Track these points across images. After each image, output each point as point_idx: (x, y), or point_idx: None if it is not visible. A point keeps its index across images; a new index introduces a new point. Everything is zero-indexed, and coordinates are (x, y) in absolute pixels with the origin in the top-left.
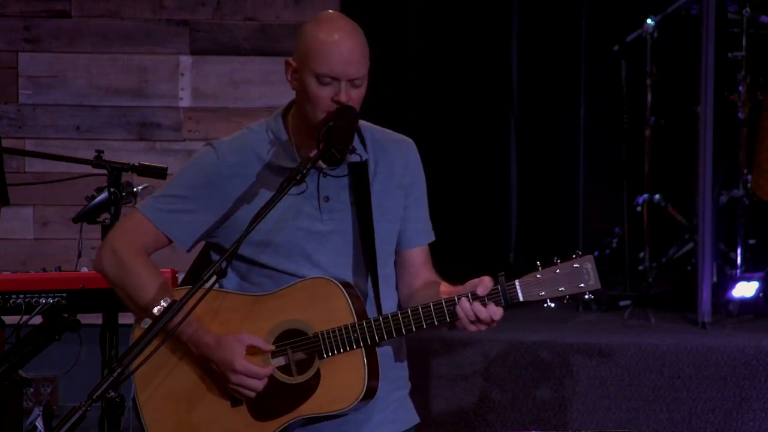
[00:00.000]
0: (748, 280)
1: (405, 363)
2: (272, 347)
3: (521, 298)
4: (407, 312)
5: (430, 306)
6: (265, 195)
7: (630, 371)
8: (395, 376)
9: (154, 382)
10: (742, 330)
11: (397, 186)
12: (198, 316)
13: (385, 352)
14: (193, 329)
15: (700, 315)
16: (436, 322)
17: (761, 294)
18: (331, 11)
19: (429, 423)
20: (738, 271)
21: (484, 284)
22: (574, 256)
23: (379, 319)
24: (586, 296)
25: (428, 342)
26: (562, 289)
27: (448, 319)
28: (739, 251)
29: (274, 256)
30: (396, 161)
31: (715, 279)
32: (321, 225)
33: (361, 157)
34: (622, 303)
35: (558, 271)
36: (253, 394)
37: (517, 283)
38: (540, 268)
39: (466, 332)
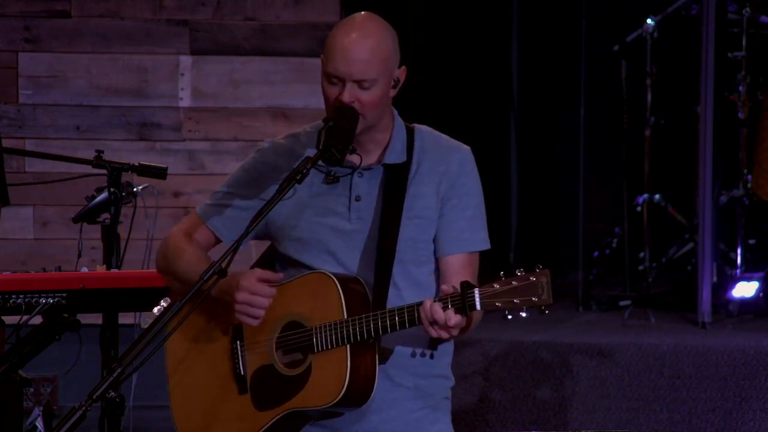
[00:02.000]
0: (748, 280)
1: (432, 374)
2: (281, 275)
3: (478, 307)
4: (386, 312)
5: (404, 307)
6: (301, 193)
7: (630, 371)
8: (413, 384)
9: (181, 367)
10: (742, 330)
11: (433, 192)
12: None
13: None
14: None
15: (700, 315)
16: (407, 323)
17: (761, 294)
18: (365, 12)
19: None
20: (738, 271)
21: (450, 290)
22: (537, 269)
23: (362, 318)
24: (545, 310)
25: None
26: (517, 301)
27: (417, 321)
28: (739, 251)
29: (303, 251)
30: (437, 167)
31: (715, 279)
32: (348, 224)
33: (359, 159)
34: (622, 303)
35: (514, 283)
36: (257, 314)
37: (476, 291)
38: (503, 278)
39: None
